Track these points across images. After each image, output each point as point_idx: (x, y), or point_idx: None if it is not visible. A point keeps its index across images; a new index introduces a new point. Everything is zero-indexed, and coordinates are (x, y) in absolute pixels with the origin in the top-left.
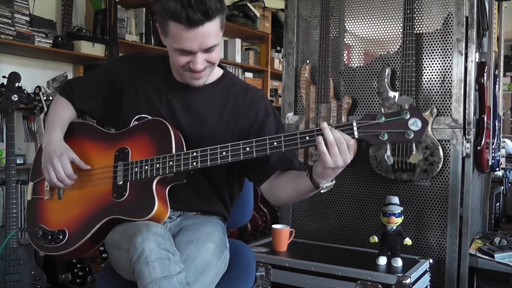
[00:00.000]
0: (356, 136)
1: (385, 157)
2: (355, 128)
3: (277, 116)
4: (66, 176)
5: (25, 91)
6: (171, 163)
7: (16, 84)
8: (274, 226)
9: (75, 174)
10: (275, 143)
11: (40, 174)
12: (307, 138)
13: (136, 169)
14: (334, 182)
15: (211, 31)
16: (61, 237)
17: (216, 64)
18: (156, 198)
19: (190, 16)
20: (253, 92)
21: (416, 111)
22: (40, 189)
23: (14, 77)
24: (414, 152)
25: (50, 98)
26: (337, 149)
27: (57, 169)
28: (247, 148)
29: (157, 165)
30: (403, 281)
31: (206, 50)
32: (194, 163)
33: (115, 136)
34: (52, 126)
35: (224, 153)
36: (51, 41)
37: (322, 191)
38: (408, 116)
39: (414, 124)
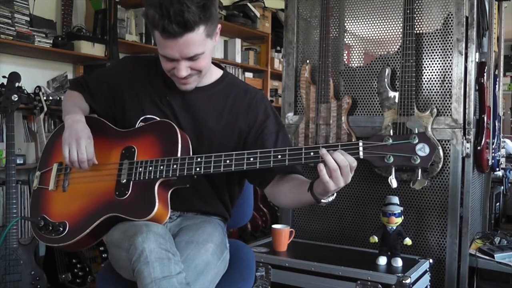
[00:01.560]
0: (361, 157)
1: (389, 180)
2: (360, 149)
3: (278, 117)
4: (87, 159)
5: (25, 91)
6: (175, 166)
7: (16, 84)
8: (274, 226)
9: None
10: (279, 156)
11: (48, 164)
12: (312, 154)
13: (141, 169)
14: (335, 195)
15: (192, 41)
16: (61, 229)
17: (203, 72)
18: (157, 200)
19: (166, 27)
20: (252, 93)
21: (425, 136)
22: (46, 179)
23: (14, 77)
24: (419, 178)
25: (50, 98)
26: (340, 173)
27: (82, 149)
28: (251, 159)
29: (161, 167)
30: (403, 281)
31: (189, 58)
32: (198, 169)
33: (124, 134)
34: (71, 109)
35: (228, 161)
36: (51, 41)
37: (323, 205)
38: (416, 141)
39: (422, 150)
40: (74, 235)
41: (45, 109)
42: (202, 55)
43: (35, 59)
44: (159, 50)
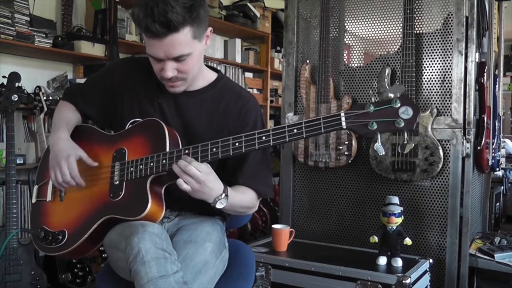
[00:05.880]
0: (344, 127)
1: (375, 147)
2: (343, 119)
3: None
4: (71, 178)
5: (25, 91)
6: (164, 161)
7: (16, 84)
8: (274, 226)
9: (81, 175)
10: (264, 137)
11: (44, 177)
12: (295, 131)
13: (132, 169)
14: (219, 202)
15: (178, 42)
16: (60, 237)
17: (191, 75)
18: (149, 197)
19: (149, 27)
20: (245, 100)
21: (407, 99)
22: (44, 191)
23: (14, 77)
24: (406, 142)
25: (50, 98)
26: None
27: (63, 171)
28: (237, 144)
29: (151, 163)
30: (403, 281)
31: (175, 59)
32: None
33: (114, 138)
34: (57, 126)
35: (214, 149)
36: (51, 41)
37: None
38: (399, 105)
39: (405, 113)
40: (73, 242)
41: (45, 109)
42: (189, 56)
43: (35, 59)
44: (147, 50)
